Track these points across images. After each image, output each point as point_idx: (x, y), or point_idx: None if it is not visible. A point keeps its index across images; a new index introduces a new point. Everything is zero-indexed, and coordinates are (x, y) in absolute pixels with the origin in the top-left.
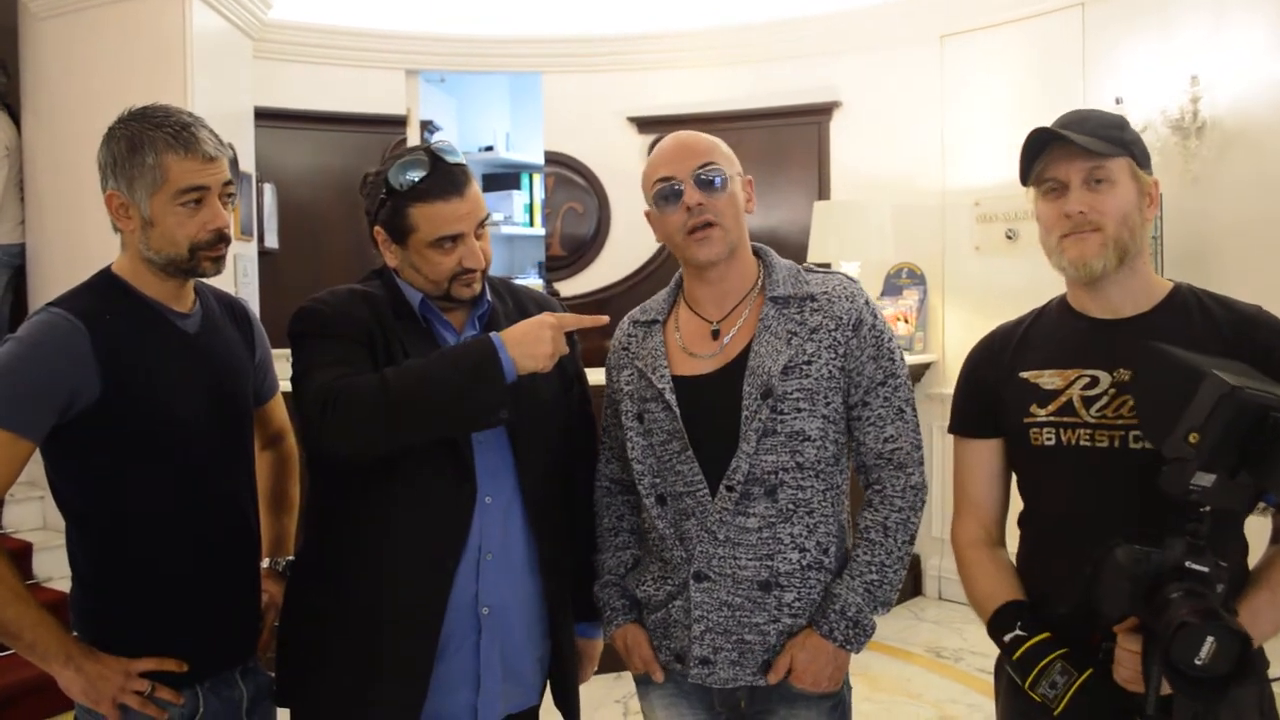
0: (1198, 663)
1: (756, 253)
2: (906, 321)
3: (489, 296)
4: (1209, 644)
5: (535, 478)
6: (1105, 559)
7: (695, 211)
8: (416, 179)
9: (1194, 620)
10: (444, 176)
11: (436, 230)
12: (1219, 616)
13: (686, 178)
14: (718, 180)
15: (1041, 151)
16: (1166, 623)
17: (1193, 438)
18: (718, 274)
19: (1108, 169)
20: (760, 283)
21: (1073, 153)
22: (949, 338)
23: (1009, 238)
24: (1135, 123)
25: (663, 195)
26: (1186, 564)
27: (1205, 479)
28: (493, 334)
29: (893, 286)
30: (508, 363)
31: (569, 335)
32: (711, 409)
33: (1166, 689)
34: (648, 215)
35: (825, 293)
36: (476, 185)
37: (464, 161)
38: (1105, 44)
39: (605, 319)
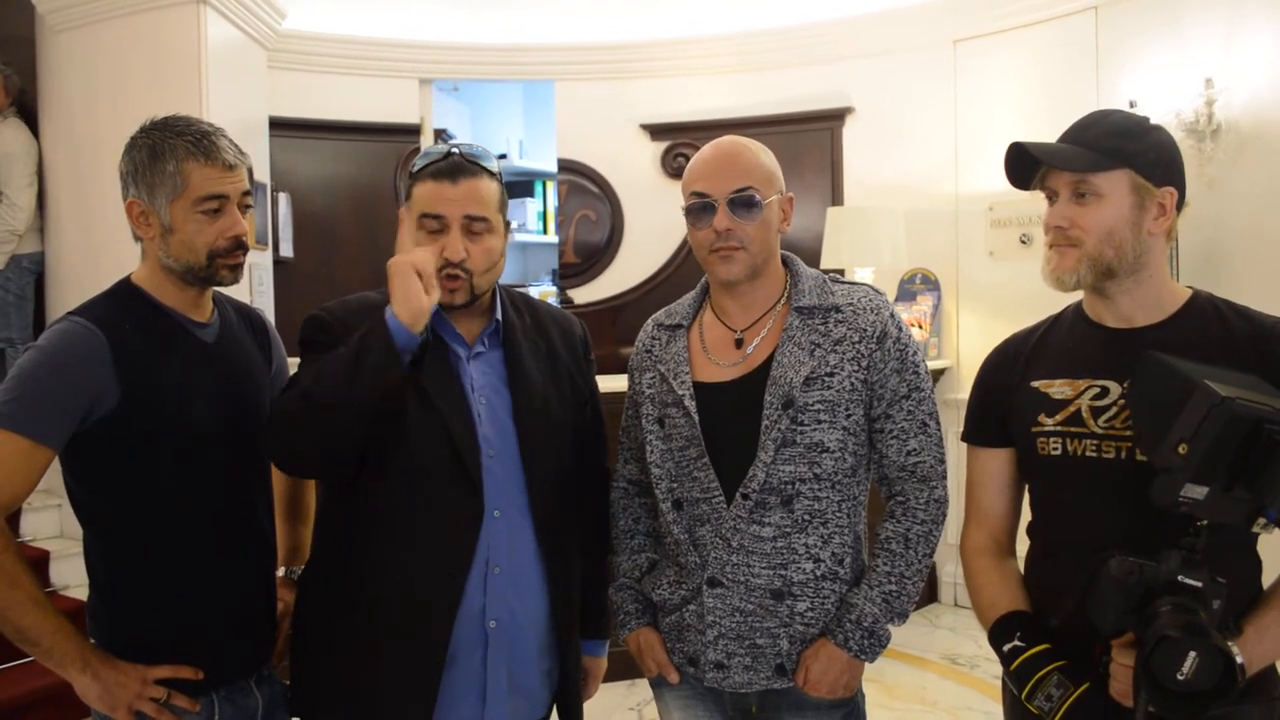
0: (1179, 678)
1: (785, 262)
2: (921, 327)
3: (499, 312)
4: (1191, 659)
5: (544, 493)
6: (1099, 570)
7: (724, 236)
8: (428, 161)
9: (1176, 634)
10: (449, 163)
11: (421, 206)
12: (1204, 632)
13: (721, 199)
14: (752, 204)
15: (1021, 163)
16: (1149, 636)
17: (1182, 448)
18: (743, 288)
19: (1093, 183)
20: (787, 292)
21: (1049, 164)
22: (963, 343)
23: (1023, 242)
24: None
25: (696, 209)
26: (1179, 578)
27: (1196, 491)
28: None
29: (907, 292)
30: (393, 320)
31: (584, 352)
32: (731, 417)
33: None
34: (685, 210)
35: (850, 304)
36: (486, 186)
37: (485, 164)
38: (1119, 47)
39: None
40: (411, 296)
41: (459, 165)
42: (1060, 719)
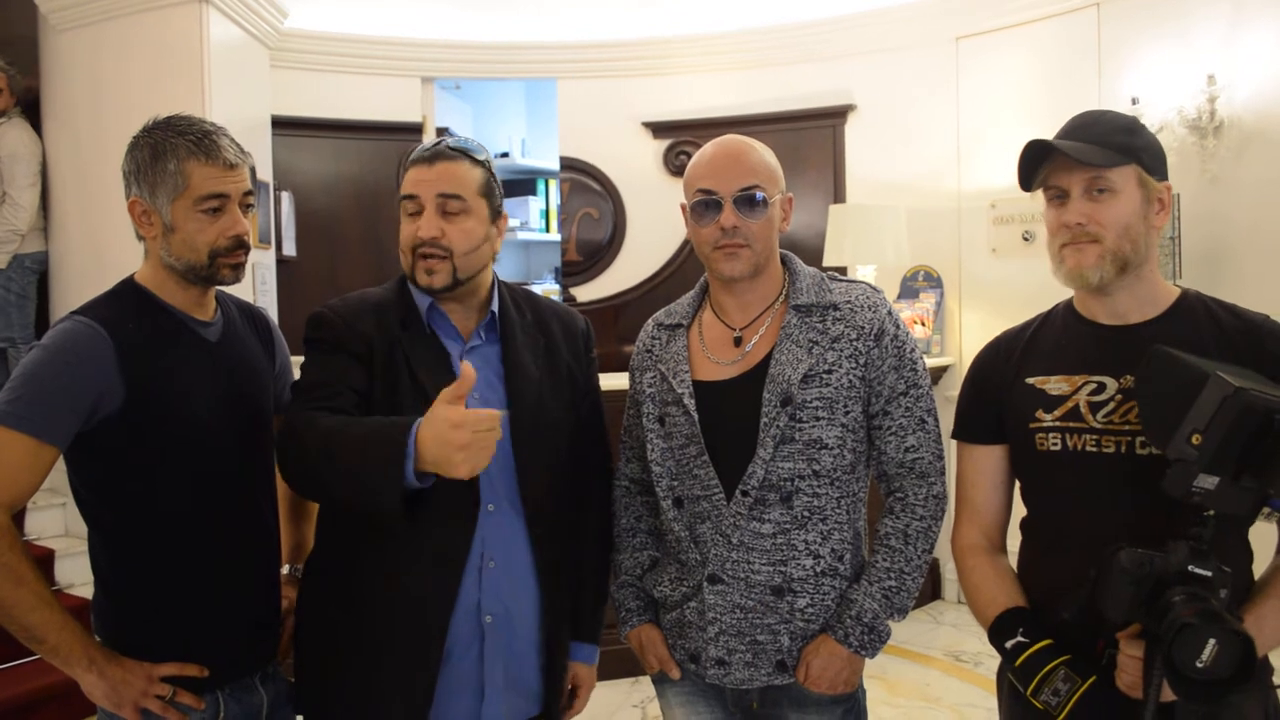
0: (1199, 665)
1: (783, 260)
2: (923, 325)
3: (496, 304)
4: (1211, 646)
5: (537, 487)
6: (1108, 563)
7: (730, 233)
8: (416, 152)
9: (1196, 622)
10: (431, 150)
11: (402, 191)
12: (1221, 619)
13: (727, 196)
14: (759, 203)
15: (1042, 161)
16: (1168, 625)
17: (1195, 439)
18: (743, 286)
19: (1108, 178)
20: (785, 291)
21: (1075, 160)
22: (966, 340)
23: (1026, 240)
24: (1152, 123)
25: (701, 206)
26: (1189, 568)
27: (1208, 481)
28: (417, 422)
29: (909, 289)
30: (409, 467)
31: (585, 347)
32: (730, 415)
33: (1167, 696)
34: (683, 208)
35: (848, 302)
36: (463, 168)
37: (468, 150)
38: (1121, 44)
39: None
40: (467, 443)
41: (439, 151)
42: (1067, 713)
